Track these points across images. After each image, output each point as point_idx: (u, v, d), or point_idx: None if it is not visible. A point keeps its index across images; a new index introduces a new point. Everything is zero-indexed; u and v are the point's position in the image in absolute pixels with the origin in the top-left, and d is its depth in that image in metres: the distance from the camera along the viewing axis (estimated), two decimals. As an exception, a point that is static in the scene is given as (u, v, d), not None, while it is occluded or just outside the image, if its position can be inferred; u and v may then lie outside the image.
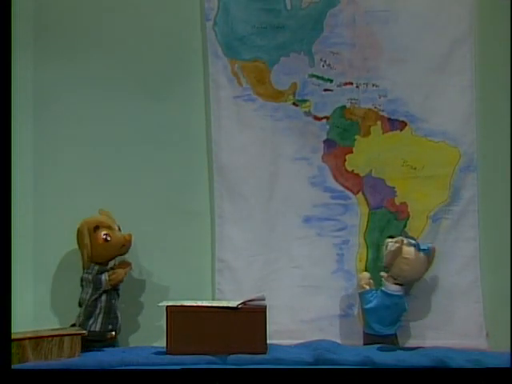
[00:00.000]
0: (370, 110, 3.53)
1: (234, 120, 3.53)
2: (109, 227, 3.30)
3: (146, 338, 3.40)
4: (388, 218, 3.50)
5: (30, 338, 2.97)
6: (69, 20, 3.54)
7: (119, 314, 3.30)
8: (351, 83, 3.53)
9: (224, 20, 3.53)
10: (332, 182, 3.52)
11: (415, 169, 3.50)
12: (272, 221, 3.51)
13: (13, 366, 2.82)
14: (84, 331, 3.13)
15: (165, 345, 3.08)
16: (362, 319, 3.38)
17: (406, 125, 3.52)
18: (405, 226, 3.48)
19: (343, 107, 3.53)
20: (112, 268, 3.32)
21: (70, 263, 3.42)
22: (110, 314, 3.27)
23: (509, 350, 3.13)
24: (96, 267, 3.29)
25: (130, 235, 3.32)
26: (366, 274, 3.40)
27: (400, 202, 3.50)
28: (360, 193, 3.52)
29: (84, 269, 3.30)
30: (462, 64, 3.51)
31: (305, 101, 3.53)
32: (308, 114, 3.53)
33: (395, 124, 3.52)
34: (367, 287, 3.37)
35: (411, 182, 3.50)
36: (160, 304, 3.13)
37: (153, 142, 3.51)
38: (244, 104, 3.53)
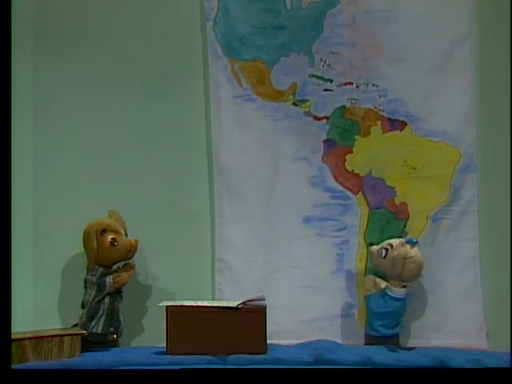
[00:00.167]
0: (369, 110, 3.53)
1: (234, 120, 3.52)
2: (116, 231, 3.30)
3: (145, 338, 3.39)
4: (388, 218, 3.50)
5: (30, 338, 2.97)
6: (69, 20, 3.54)
7: (121, 317, 3.30)
8: (351, 83, 3.53)
9: (224, 20, 3.53)
10: (332, 182, 3.52)
11: (415, 169, 3.50)
12: (272, 221, 3.51)
13: (13, 366, 2.82)
14: (84, 331, 3.13)
15: (165, 345, 3.08)
16: (363, 320, 3.38)
17: (406, 125, 3.52)
18: (405, 225, 3.48)
19: (343, 107, 3.53)
20: (116, 271, 3.32)
21: (70, 263, 3.42)
22: (113, 317, 3.27)
23: (509, 349, 3.13)
24: (100, 269, 3.28)
25: (136, 241, 3.31)
26: (372, 277, 3.39)
27: (400, 202, 3.50)
28: (360, 193, 3.52)
29: (88, 270, 3.31)
30: (461, 64, 3.51)
31: (305, 101, 3.53)
32: (308, 114, 3.53)
33: (395, 124, 3.52)
34: (373, 290, 3.37)
35: (411, 182, 3.50)
36: (160, 304, 3.14)
37: (153, 141, 3.51)
38: (244, 104, 3.53)
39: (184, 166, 3.52)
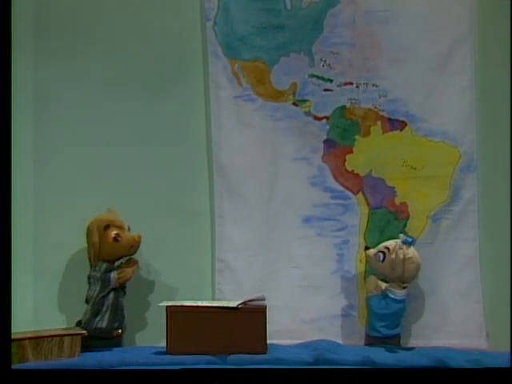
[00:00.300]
0: (369, 110, 3.53)
1: (234, 120, 3.53)
2: (120, 227, 3.30)
3: (145, 339, 3.40)
4: (388, 218, 3.50)
5: (30, 338, 2.97)
6: (69, 20, 3.54)
7: (125, 312, 3.30)
8: (351, 83, 3.53)
9: (224, 20, 3.53)
10: (332, 182, 3.52)
11: (415, 169, 3.50)
12: (272, 221, 3.51)
13: (13, 366, 2.82)
14: (84, 331, 3.13)
15: (165, 344, 3.08)
16: (363, 320, 3.38)
17: (406, 125, 3.52)
18: (405, 226, 3.48)
19: (343, 107, 3.53)
20: (120, 266, 3.32)
21: (70, 263, 3.42)
22: (117, 312, 3.27)
23: (509, 350, 3.13)
24: (104, 265, 3.28)
25: (139, 236, 3.32)
26: (373, 278, 3.39)
27: (400, 202, 3.50)
28: (360, 193, 3.52)
29: (91, 266, 3.31)
30: (462, 64, 3.51)
31: (305, 101, 3.53)
32: (308, 114, 3.53)
33: (395, 124, 3.52)
34: (375, 292, 3.36)
35: (411, 182, 3.50)
36: (160, 304, 3.14)
37: (153, 141, 3.51)
38: (244, 104, 3.53)
39: (184, 166, 3.52)
